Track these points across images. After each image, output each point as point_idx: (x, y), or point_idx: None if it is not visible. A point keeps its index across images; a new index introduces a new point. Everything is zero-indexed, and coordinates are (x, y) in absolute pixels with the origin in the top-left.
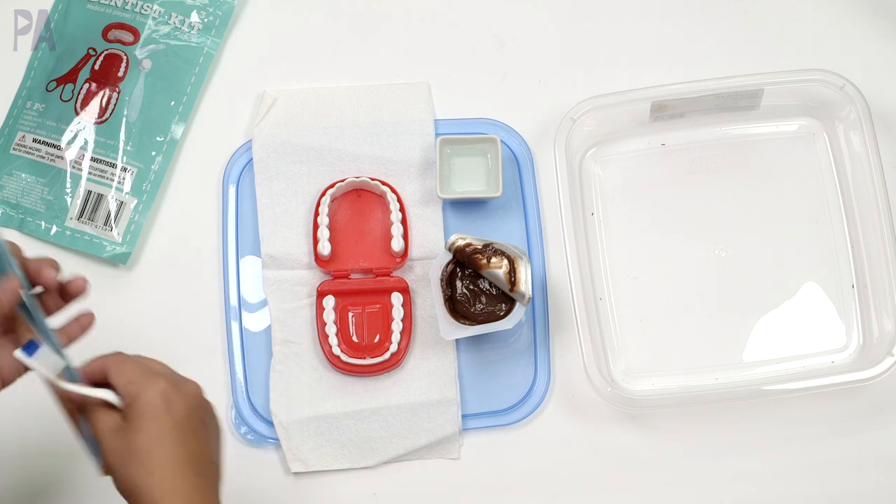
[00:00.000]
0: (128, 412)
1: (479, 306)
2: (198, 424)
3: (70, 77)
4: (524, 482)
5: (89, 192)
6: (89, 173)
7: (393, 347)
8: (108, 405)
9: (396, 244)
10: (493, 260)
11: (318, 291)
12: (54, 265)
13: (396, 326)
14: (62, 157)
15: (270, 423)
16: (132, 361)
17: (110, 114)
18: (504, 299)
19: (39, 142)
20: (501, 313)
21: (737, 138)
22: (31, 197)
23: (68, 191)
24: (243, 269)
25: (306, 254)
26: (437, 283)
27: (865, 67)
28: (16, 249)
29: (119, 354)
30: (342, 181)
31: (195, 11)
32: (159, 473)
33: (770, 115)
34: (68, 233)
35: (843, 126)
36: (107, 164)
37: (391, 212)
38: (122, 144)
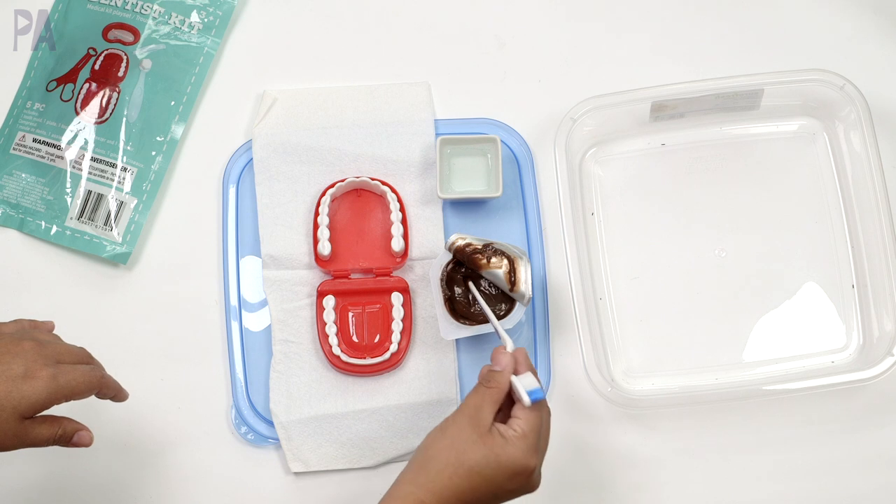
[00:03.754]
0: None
1: (478, 306)
2: (511, 497)
3: (70, 77)
4: None
5: (89, 192)
6: (89, 173)
7: (393, 347)
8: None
9: (396, 244)
10: (493, 260)
11: (318, 291)
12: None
13: (396, 326)
14: (62, 157)
15: (270, 423)
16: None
17: (110, 114)
18: (504, 299)
19: (39, 142)
20: (501, 313)
21: (737, 138)
22: (31, 197)
23: (68, 191)
24: (243, 269)
25: (306, 254)
26: (437, 283)
27: (865, 67)
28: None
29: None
30: (342, 181)
31: (195, 11)
32: (445, 474)
33: (770, 115)
34: (68, 233)
35: (843, 126)
36: (107, 163)
37: (391, 212)
38: (122, 144)
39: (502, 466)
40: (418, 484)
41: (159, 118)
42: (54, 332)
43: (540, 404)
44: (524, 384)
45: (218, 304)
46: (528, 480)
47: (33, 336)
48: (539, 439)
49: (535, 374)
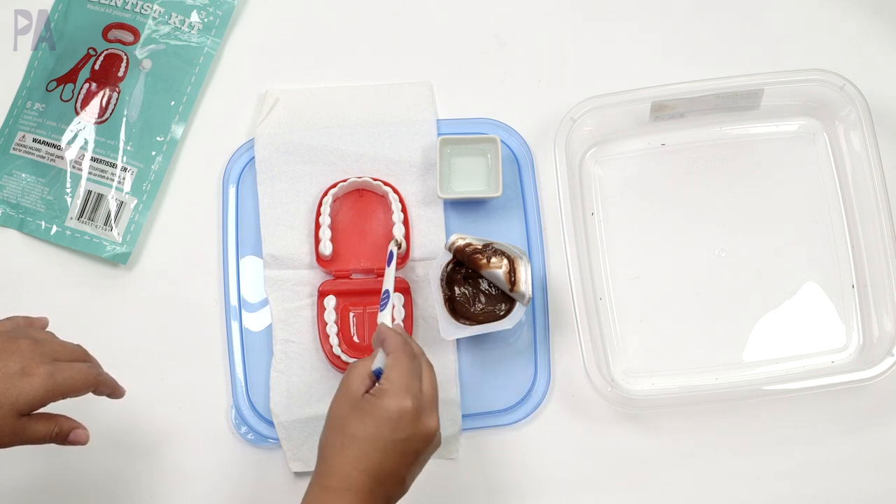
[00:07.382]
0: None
1: (478, 306)
2: (412, 449)
3: (70, 77)
4: (524, 482)
5: (89, 192)
6: (89, 173)
7: None
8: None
9: None
10: (493, 260)
11: (319, 291)
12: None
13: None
14: (62, 157)
15: (270, 423)
16: (411, 369)
17: (110, 114)
18: (504, 299)
19: (39, 142)
20: (501, 313)
21: (737, 138)
22: (31, 197)
23: (68, 191)
24: (243, 269)
25: (308, 253)
26: (437, 283)
27: (865, 67)
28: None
29: (405, 353)
30: (344, 181)
31: (195, 11)
32: (336, 450)
33: (770, 115)
34: (68, 233)
35: (843, 126)
36: (107, 163)
37: (393, 212)
38: (122, 144)
39: (379, 419)
40: (319, 473)
41: (159, 118)
42: (48, 329)
43: (402, 352)
44: (376, 361)
45: (218, 304)
46: (415, 425)
47: (29, 334)
48: (409, 381)
49: (399, 342)
